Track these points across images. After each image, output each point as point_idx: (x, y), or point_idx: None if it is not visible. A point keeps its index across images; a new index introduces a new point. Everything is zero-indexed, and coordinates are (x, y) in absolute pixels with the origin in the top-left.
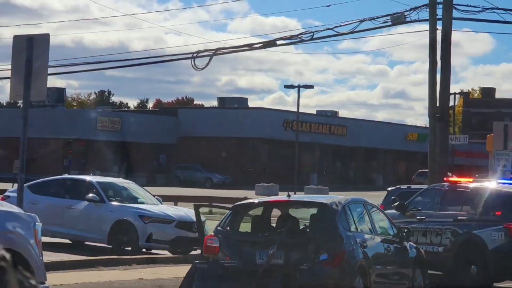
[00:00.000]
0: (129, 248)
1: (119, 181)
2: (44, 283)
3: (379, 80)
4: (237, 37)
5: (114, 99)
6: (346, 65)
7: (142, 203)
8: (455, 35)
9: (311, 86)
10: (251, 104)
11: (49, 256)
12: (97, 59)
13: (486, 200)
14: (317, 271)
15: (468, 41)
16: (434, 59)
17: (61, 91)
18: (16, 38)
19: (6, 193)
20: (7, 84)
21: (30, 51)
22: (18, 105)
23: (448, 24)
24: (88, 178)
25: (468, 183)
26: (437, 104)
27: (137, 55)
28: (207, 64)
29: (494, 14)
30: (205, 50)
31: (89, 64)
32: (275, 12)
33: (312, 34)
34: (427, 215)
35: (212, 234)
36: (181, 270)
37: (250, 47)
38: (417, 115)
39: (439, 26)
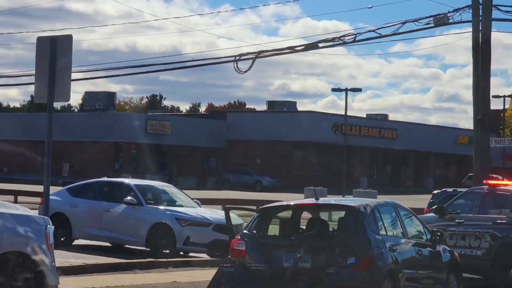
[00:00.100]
0: (167, 251)
1: (158, 184)
2: (56, 286)
3: (431, 83)
4: (284, 39)
5: (166, 103)
6: (398, 68)
7: (181, 206)
8: (507, 37)
9: (358, 90)
10: (303, 108)
11: (85, 259)
12: (150, 62)
13: None
14: (344, 275)
15: None
16: (477, 61)
17: (111, 95)
18: (40, 39)
19: None
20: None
21: (54, 52)
22: (71, 108)
23: (487, 25)
24: (126, 181)
25: (508, 186)
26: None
27: (187, 58)
28: (250, 67)
29: None
30: (248, 53)
31: (136, 67)
32: (325, 14)
33: (354, 36)
34: (466, 219)
35: (239, 237)
36: None
37: (292, 49)
38: (470, 118)
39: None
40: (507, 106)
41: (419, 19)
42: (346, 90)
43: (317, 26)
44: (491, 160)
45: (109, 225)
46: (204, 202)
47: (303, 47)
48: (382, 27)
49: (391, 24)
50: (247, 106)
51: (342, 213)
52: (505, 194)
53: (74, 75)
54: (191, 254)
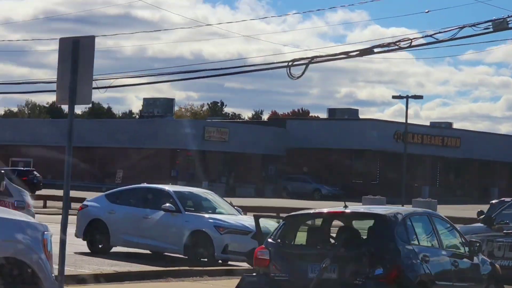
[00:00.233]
0: (205, 260)
1: (200, 191)
2: None
3: (502, 91)
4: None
5: (229, 110)
6: (468, 76)
7: (221, 213)
8: None
9: (420, 97)
10: (369, 116)
11: (120, 266)
12: (214, 65)
13: None
14: (371, 286)
15: None
16: None
17: (170, 101)
18: (62, 40)
19: (85, 202)
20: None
21: (76, 54)
22: (132, 115)
23: None
24: (166, 187)
25: None
26: None
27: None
28: (303, 72)
29: None
30: (301, 59)
31: (195, 72)
32: (393, 19)
33: (410, 41)
34: None
35: (263, 246)
36: None
37: (346, 54)
38: None
39: None
40: None
41: (477, 24)
42: (407, 97)
43: (386, 33)
44: None
45: (147, 232)
46: (260, 210)
47: (357, 52)
48: (440, 32)
49: (449, 29)
50: (310, 114)
51: (370, 222)
52: None
53: (135, 80)
54: (231, 263)
